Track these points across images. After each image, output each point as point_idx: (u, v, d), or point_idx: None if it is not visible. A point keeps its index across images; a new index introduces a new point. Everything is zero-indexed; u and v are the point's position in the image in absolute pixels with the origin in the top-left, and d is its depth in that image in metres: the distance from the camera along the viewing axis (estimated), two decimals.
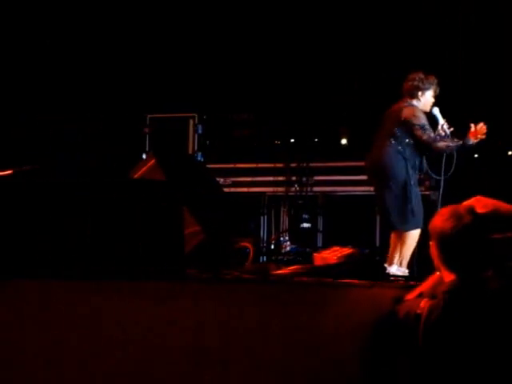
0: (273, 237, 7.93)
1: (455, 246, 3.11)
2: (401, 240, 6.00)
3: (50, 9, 8.68)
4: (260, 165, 8.29)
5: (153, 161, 5.13)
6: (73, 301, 3.62)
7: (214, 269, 3.96)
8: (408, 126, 6.07)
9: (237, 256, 4.53)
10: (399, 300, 3.29)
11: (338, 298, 3.56)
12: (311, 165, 8.15)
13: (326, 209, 8.13)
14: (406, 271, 5.81)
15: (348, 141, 8.39)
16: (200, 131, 8.41)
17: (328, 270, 3.97)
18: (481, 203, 3.21)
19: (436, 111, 6.21)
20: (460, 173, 6.18)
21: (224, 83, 8.62)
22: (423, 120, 6.08)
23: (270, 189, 8.23)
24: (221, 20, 8.71)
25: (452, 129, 6.06)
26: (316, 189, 8.16)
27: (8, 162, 4.16)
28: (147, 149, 8.22)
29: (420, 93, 6.19)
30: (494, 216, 3.18)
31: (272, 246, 7.79)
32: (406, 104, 6.18)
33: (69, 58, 8.72)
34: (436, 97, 6.25)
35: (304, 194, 8.14)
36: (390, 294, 3.41)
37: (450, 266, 3.13)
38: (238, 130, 8.60)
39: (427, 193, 7.15)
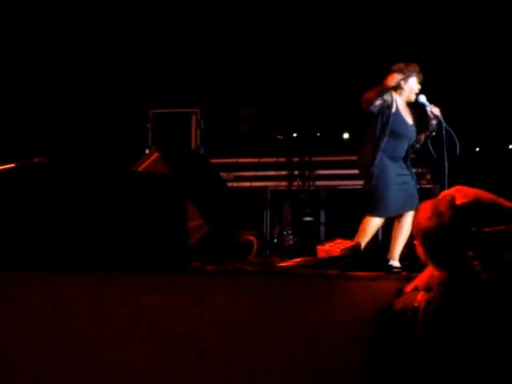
0: (276, 230, 7.94)
1: (439, 244, 3.10)
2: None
3: (58, 6, 8.69)
4: (262, 159, 8.31)
5: (156, 155, 5.14)
6: (75, 293, 3.63)
7: (217, 261, 3.97)
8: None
9: (240, 249, 4.54)
10: (400, 292, 3.28)
11: (342, 290, 3.57)
12: (313, 159, 8.17)
13: (329, 202, 8.15)
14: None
15: (350, 135, 8.41)
16: (202, 126, 8.43)
17: (331, 262, 3.97)
18: (461, 193, 3.19)
19: (422, 99, 6.24)
20: (461, 167, 6.19)
21: (226, 78, 8.64)
22: (378, 98, 6.10)
23: (273, 183, 8.25)
24: (224, 15, 8.72)
25: (439, 110, 6.12)
26: (318, 183, 8.19)
27: (13, 156, 4.15)
28: (150, 144, 8.23)
29: (403, 82, 6.24)
30: (475, 206, 3.17)
31: (275, 240, 7.79)
32: None
33: (73, 54, 8.72)
34: (421, 83, 6.28)
35: (306, 188, 8.16)
36: (392, 286, 3.41)
37: (438, 264, 3.12)
38: (241, 124, 8.62)
39: (429, 186, 7.17)
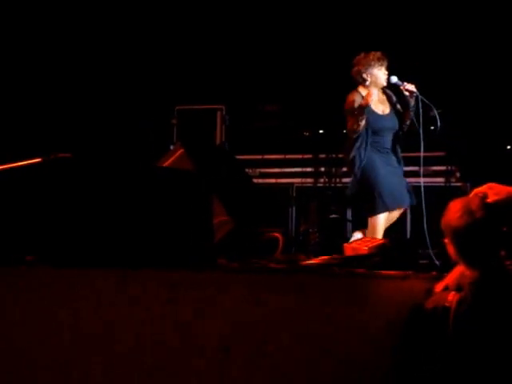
0: (301, 228, 7.90)
1: (471, 243, 3.05)
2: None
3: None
4: (288, 156, 8.27)
5: (181, 151, 5.13)
6: (99, 289, 3.62)
7: (243, 258, 3.94)
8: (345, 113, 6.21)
9: (265, 246, 4.51)
10: (430, 291, 3.24)
11: (370, 289, 3.53)
12: (340, 156, 8.10)
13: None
14: None
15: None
16: (228, 122, 8.42)
17: (359, 260, 3.93)
18: (493, 190, 3.13)
19: (394, 79, 6.20)
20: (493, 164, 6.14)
21: (252, 74, 8.61)
22: (351, 104, 6.15)
23: (299, 180, 8.20)
24: (248, 10, 8.69)
25: (413, 85, 6.11)
26: (345, 180, 8.12)
27: (39, 151, 4.14)
28: (175, 140, 8.23)
29: (364, 75, 6.24)
30: (507, 204, 3.11)
31: (300, 237, 7.76)
32: (351, 91, 6.28)
33: (99, 49, 8.75)
34: (388, 68, 6.26)
35: (333, 185, 8.11)
36: (422, 285, 3.37)
37: (469, 263, 3.08)
38: (267, 120, 8.59)
39: (458, 184, 7.10)
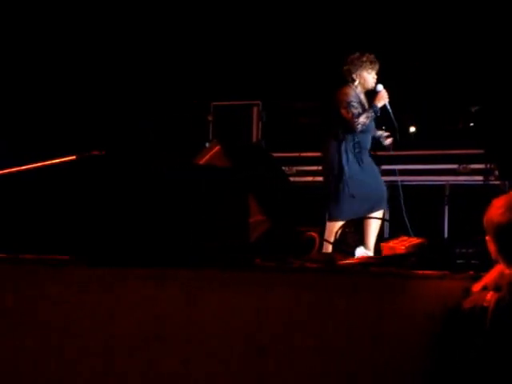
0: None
1: None
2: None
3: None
4: None
5: (217, 148, 5.11)
6: (135, 288, 3.62)
7: (279, 258, 3.92)
8: (337, 106, 6.29)
9: (302, 246, 4.49)
10: (468, 291, 3.23)
11: (407, 289, 3.51)
12: (378, 153, 8.05)
13: (393, 198, 8.03)
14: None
15: (417, 129, 8.27)
16: (264, 119, 8.39)
17: (396, 260, 3.89)
18: None
19: (379, 87, 6.37)
20: None
21: (289, 70, 8.59)
22: (351, 98, 6.23)
23: None
24: (284, 5, 8.68)
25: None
26: (382, 178, 8.08)
27: (74, 148, 4.16)
28: (211, 137, 8.23)
29: (354, 75, 6.37)
30: None
31: (337, 237, 7.73)
32: (342, 86, 6.41)
33: (136, 47, 8.78)
34: (378, 73, 6.43)
35: None
36: (459, 285, 3.35)
37: (510, 261, 3.08)
38: (303, 117, 8.56)
39: (497, 183, 7.04)
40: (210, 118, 8.42)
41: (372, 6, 8.48)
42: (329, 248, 5.92)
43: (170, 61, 8.80)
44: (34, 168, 3.90)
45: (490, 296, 3.05)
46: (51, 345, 3.65)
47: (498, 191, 6.41)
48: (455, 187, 6.43)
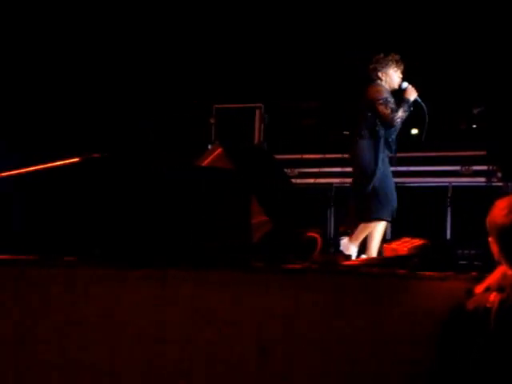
0: (341, 228, 7.86)
1: None
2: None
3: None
4: (327, 155, 8.23)
5: (219, 150, 5.13)
6: (137, 289, 3.64)
7: (281, 259, 3.93)
8: (372, 104, 6.24)
9: (304, 247, 4.49)
10: (470, 292, 3.20)
11: (410, 290, 3.52)
12: None
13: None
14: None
15: (419, 131, 8.27)
16: (267, 121, 8.40)
17: (399, 261, 3.90)
18: None
19: (405, 84, 6.33)
20: None
21: (291, 72, 8.60)
22: (386, 94, 6.23)
23: (338, 180, 8.17)
24: (286, 8, 8.69)
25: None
26: None
27: (77, 150, 4.18)
28: (213, 139, 8.24)
29: (380, 73, 6.34)
30: None
31: (340, 238, 7.73)
32: (370, 84, 6.37)
33: (138, 49, 8.79)
34: (403, 73, 6.38)
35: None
36: (462, 286, 3.33)
37: None
38: (306, 119, 8.56)
39: (500, 184, 7.03)
40: (212, 121, 8.43)
41: (372, 7, 8.48)
42: (373, 250, 5.98)
43: (172, 63, 8.81)
44: (37, 170, 3.92)
45: (493, 297, 3.03)
46: (51, 344, 3.67)
47: (500, 193, 6.40)
48: (458, 189, 6.42)
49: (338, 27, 8.59)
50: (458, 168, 7.43)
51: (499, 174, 7.14)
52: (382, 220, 6.27)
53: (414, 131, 8.18)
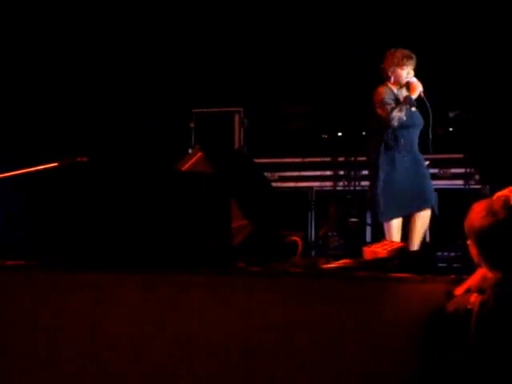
0: (321, 231, 7.91)
1: (494, 244, 3.06)
2: None
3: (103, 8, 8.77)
4: (307, 159, 8.27)
5: (199, 154, 5.13)
6: (119, 294, 3.64)
7: (262, 262, 3.95)
8: (373, 106, 6.26)
9: (285, 250, 4.51)
10: (450, 294, 3.24)
11: (390, 293, 3.53)
12: (359, 159, 8.09)
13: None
14: None
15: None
16: (246, 125, 8.42)
17: (379, 263, 3.93)
18: None
19: (411, 80, 6.28)
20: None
21: (270, 76, 8.62)
22: (384, 95, 6.19)
23: (318, 183, 8.21)
24: (267, 12, 8.71)
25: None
26: (364, 183, 8.11)
27: (57, 155, 4.17)
28: (193, 144, 8.25)
29: (389, 72, 6.30)
30: None
31: (320, 241, 7.77)
32: (379, 85, 6.35)
33: (116, 54, 8.79)
34: (415, 69, 6.32)
35: (352, 188, 8.11)
36: (441, 288, 3.36)
37: (491, 264, 3.08)
38: (285, 123, 8.60)
39: (477, 187, 7.08)
40: (191, 125, 8.44)
41: (353, 11, 8.52)
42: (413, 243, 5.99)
43: (151, 69, 8.81)
44: (18, 174, 3.92)
45: (474, 298, 3.06)
46: (39, 347, 3.66)
47: (478, 195, 6.44)
48: (436, 191, 6.46)
49: (318, 31, 8.62)
50: (436, 171, 7.48)
51: (477, 177, 7.18)
52: (391, 219, 6.20)
53: None
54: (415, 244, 6.16)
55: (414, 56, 6.29)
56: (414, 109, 6.30)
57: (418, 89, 6.18)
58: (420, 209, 6.27)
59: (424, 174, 6.38)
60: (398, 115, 6.13)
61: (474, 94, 6.37)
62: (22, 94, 8.43)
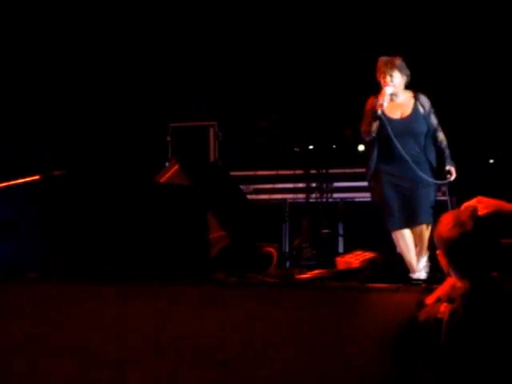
0: (295, 242, 7.93)
1: (462, 254, 3.08)
2: None
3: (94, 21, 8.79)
4: (280, 172, 8.34)
5: (176, 167, 5.16)
6: (98, 305, 3.62)
7: (238, 273, 4.00)
8: None
9: (260, 261, 4.55)
10: (421, 303, 3.25)
11: (362, 302, 3.58)
12: (330, 171, 8.19)
13: (346, 214, 8.16)
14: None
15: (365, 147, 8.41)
16: (220, 139, 8.47)
17: (351, 273, 4.00)
18: (482, 204, 3.16)
19: (389, 90, 5.94)
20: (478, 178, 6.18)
21: (243, 91, 8.68)
22: (367, 106, 5.95)
23: (291, 195, 8.27)
24: (241, 28, 8.76)
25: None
26: (336, 195, 8.21)
27: (35, 168, 4.21)
28: (169, 157, 8.27)
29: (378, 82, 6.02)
30: (496, 216, 3.15)
31: (294, 252, 7.80)
32: None
33: (93, 68, 8.80)
34: (391, 76, 5.95)
35: (324, 200, 8.17)
36: (413, 297, 3.38)
37: (461, 273, 3.11)
38: (258, 137, 8.66)
39: (444, 198, 7.13)
40: (168, 139, 8.47)
41: (321, 22, 8.58)
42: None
43: (130, 84, 8.83)
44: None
45: (443, 307, 3.07)
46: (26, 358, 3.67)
47: (446, 207, 6.51)
48: None
49: (288, 46, 8.68)
50: None
51: (444, 189, 7.22)
52: (393, 231, 5.96)
53: (361, 148, 8.30)
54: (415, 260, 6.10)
55: (389, 62, 6.01)
56: (397, 116, 6.02)
57: (380, 98, 5.91)
58: (415, 223, 5.99)
59: (412, 188, 6.00)
60: (363, 129, 5.94)
61: (440, 108, 6.41)
62: (23, 96, 8.42)
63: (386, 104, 5.87)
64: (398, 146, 5.81)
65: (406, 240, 5.91)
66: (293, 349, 3.54)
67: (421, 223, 5.88)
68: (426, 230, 5.88)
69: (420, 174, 5.87)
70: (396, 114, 6.02)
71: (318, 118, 8.59)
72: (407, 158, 5.81)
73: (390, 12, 8.47)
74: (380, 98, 5.85)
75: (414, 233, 5.94)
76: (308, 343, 3.54)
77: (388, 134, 5.86)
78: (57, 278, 3.70)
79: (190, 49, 8.89)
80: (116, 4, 8.80)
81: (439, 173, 6.08)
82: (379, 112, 5.85)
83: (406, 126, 5.98)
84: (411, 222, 5.91)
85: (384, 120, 5.88)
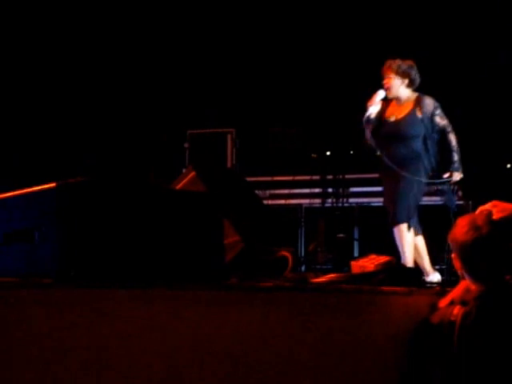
0: (310, 247, 7.95)
1: (477, 257, 3.14)
2: None
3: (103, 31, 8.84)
4: (297, 177, 8.37)
5: (192, 173, 5.17)
6: (112, 309, 3.62)
7: (254, 277, 4.01)
8: None
9: (276, 265, 4.57)
10: (434, 306, 3.32)
11: (378, 305, 3.58)
12: (347, 176, 8.21)
13: (362, 219, 8.18)
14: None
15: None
16: (238, 146, 8.52)
17: (366, 277, 4.00)
18: (498, 208, 3.22)
19: (381, 94, 6.14)
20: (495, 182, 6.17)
21: (261, 97, 8.72)
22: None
23: (307, 200, 8.30)
24: (258, 36, 8.80)
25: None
26: (352, 200, 8.22)
27: (52, 175, 4.23)
28: (187, 163, 8.32)
29: None
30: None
31: (309, 256, 7.82)
32: None
33: (114, 76, 8.85)
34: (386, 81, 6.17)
35: (340, 205, 8.19)
36: (427, 300, 3.43)
37: (474, 277, 3.17)
38: (275, 143, 8.69)
39: (460, 202, 7.13)
40: (186, 146, 8.52)
41: (337, 36, 8.60)
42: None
43: (150, 92, 8.89)
44: (13, 196, 3.93)
45: (457, 310, 3.13)
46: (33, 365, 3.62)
47: (461, 211, 6.50)
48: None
49: (309, 54, 8.70)
50: None
51: (460, 193, 7.22)
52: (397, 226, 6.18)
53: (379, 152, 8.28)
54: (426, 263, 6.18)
55: (388, 64, 6.16)
56: (392, 119, 6.20)
57: (371, 102, 6.08)
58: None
59: (397, 190, 6.20)
60: (365, 134, 6.10)
61: (456, 112, 6.42)
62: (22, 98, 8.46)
63: (375, 109, 5.93)
64: (378, 151, 6.05)
65: (418, 246, 6.12)
66: (307, 351, 3.56)
67: (397, 224, 6.06)
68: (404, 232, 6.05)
69: (403, 173, 6.03)
70: (392, 117, 6.16)
71: (336, 124, 8.61)
72: (389, 163, 5.97)
73: (409, 20, 8.48)
74: (369, 103, 6.00)
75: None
76: (323, 346, 3.55)
77: (380, 135, 6.08)
78: (72, 283, 3.69)
79: (208, 57, 8.94)
80: (137, 13, 8.86)
81: (439, 174, 6.21)
82: (372, 116, 6.05)
83: (396, 128, 6.13)
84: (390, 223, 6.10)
85: (379, 122, 6.08)
